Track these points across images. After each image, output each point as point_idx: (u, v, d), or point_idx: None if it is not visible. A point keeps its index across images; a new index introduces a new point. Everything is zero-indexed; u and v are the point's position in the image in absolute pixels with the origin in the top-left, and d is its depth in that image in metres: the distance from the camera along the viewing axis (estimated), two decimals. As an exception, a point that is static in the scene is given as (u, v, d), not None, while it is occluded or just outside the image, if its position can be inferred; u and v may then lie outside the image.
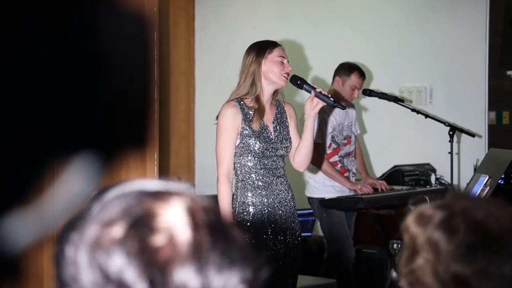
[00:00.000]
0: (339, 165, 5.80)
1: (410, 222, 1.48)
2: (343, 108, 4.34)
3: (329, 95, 4.14)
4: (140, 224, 1.11)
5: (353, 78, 5.80)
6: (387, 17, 6.98)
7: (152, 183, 1.18)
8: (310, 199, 5.89)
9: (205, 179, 7.83)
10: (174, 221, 1.12)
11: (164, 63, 7.61)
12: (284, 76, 4.16)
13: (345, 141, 5.86)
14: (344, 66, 5.88)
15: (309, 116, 4.10)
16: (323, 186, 5.77)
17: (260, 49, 4.20)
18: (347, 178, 5.77)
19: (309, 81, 4.30)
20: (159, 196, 1.15)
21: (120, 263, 1.09)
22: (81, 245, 1.12)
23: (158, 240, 1.10)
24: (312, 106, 4.07)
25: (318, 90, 4.09)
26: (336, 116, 5.82)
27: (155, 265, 1.09)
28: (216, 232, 1.14)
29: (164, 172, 7.52)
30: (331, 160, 5.78)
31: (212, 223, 1.14)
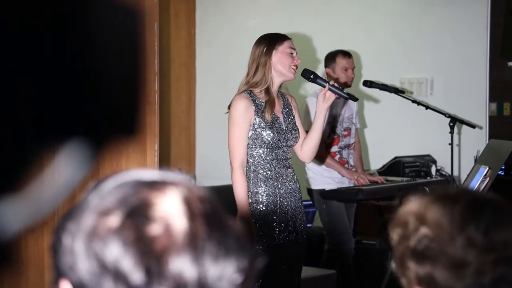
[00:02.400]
0: (338, 156, 5.81)
1: (404, 209, 1.51)
2: (356, 99, 4.42)
3: (341, 87, 4.23)
4: (136, 214, 1.12)
5: (339, 61, 5.83)
6: (388, 8, 6.97)
7: (149, 173, 1.18)
8: (309, 191, 5.90)
9: (206, 170, 7.84)
10: (170, 211, 1.12)
11: (164, 54, 7.60)
12: (293, 68, 4.21)
13: (345, 133, 5.87)
14: (327, 56, 5.95)
15: (322, 109, 4.16)
16: (321, 177, 5.77)
17: (271, 41, 4.24)
18: (343, 166, 5.77)
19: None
20: (156, 186, 1.15)
21: (116, 252, 1.09)
22: (78, 234, 1.12)
23: (154, 229, 1.10)
24: (325, 99, 4.13)
25: (331, 83, 4.16)
26: (336, 107, 5.82)
27: (151, 254, 1.09)
28: (212, 222, 1.14)
29: (164, 163, 7.52)
30: (330, 150, 5.79)
31: (208, 212, 1.14)
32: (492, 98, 6.59)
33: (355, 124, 5.97)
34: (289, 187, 4.21)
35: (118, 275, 1.08)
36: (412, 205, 1.51)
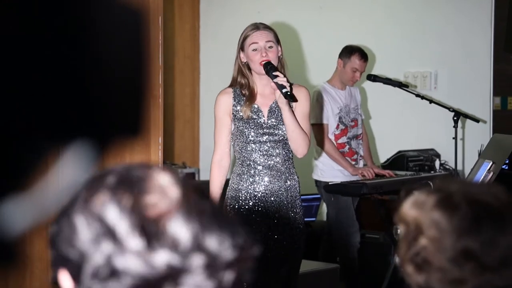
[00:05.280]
0: (347, 146, 5.83)
1: (407, 209, 1.50)
2: (295, 101, 4.04)
3: (287, 86, 3.96)
4: (134, 184, 1.15)
5: (354, 60, 5.83)
6: (392, 2, 6.96)
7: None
8: (317, 182, 5.90)
9: (210, 163, 7.83)
10: (164, 182, 1.17)
11: (169, 47, 7.60)
12: (261, 65, 4.06)
13: (353, 123, 5.88)
14: (347, 48, 5.92)
15: (279, 103, 4.03)
16: (331, 169, 5.77)
17: (239, 41, 4.18)
18: (350, 163, 5.77)
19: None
20: (145, 169, 1.19)
21: (114, 217, 1.12)
22: (75, 209, 1.15)
23: (151, 198, 1.14)
24: (277, 94, 3.99)
25: (276, 79, 3.95)
26: (342, 98, 5.86)
27: (148, 220, 1.13)
28: (203, 196, 1.19)
29: (168, 156, 7.53)
30: (339, 141, 5.81)
31: (197, 191, 1.19)
32: (496, 92, 6.58)
33: (360, 115, 6.00)
34: (271, 183, 4.08)
35: (115, 239, 1.11)
36: (414, 208, 1.49)
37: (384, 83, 6.16)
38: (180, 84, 7.98)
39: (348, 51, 5.88)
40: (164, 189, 1.15)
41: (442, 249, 1.42)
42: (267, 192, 4.08)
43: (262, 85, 4.14)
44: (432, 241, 1.43)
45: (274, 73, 3.98)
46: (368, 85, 6.66)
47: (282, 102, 3.99)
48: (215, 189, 4.10)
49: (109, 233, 1.11)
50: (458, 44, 6.66)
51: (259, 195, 4.07)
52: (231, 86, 4.19)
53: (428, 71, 6.78)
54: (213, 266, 1.13)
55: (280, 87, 3.94)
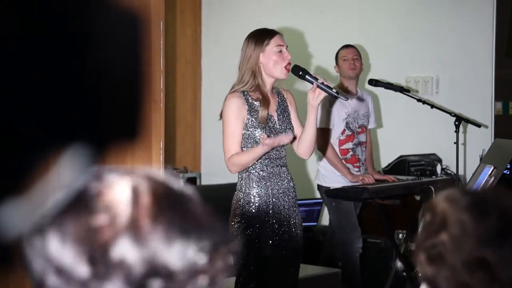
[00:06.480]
0: (351, 153, 5.80)
1: (440, 200, 1.48)
2: (346, 99, 4.24)
3: (332, 86, 4.07)
4: (82, 206, 1.08)
5: (340, 53, 5.94)
6: (394, 7, 6.97)
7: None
8: (319, 187, 5.89)
9: (211, 167, 7.84)
10: (116, 198, 1.09)
11: (170, 52, 7.60)
12: (285, 68, 4.10)
13: (360, 130, 5.86)
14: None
15: (312, 106, 4.03)
16: (333, 175, 5.75)
17: (258, 41, 4.13)
18: (349, 170, 5.74)
19: (312, 71, 4.27)
20: (109, 175, 1.13)
21: (56, 246, 1.06)
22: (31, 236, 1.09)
23: (98, 220, 1.07)
24: (314, 96, 4.00)
25: (320, 81, 4.01)
26: (351, 103, 5.82)
27: (95, 245, 1.06)
28: (163, 206, 1.10)
29: (170, 160, 7.53)
30: (344, 147, 5.79)
31: (161, 197, 1.11)
32: (497, 97, 6.58)
33: (370, 124, 5.98)
34: (282, 186, 4.13)
35: (60, 270, 1.06)
36: (446, 202, 1.47)
37: (386, 87, 6.16)
38: (181, 89, 7.99)
39: (336, 53, 6.00)
40: (112, 208, 1.07)
41: (460, 250, 1.41)
42: (279, 194, 4.12)
43: (267, 90, 4.15)
44: (452, 239, 1.42)
45: (314, 75, 4.08)
46: (369, 89, 6.67)
47: (313, 106, 4.04)
48: (253, 150, 4.02)
49: (53, 266, 1.05)
50: (459, 49, 6.66)
51: (266, 198, 4.09)
52: (236, 90, 4.14)
53: (430, 76, 6.78)
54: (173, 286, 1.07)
55: (328, 88, 4.01)
